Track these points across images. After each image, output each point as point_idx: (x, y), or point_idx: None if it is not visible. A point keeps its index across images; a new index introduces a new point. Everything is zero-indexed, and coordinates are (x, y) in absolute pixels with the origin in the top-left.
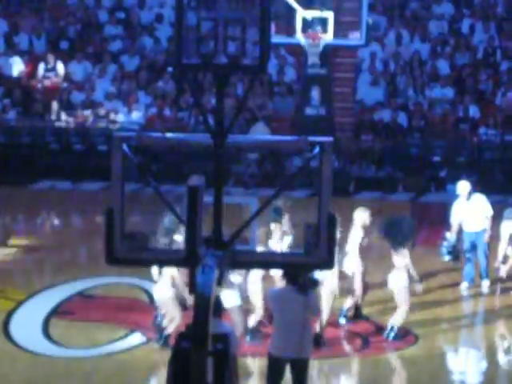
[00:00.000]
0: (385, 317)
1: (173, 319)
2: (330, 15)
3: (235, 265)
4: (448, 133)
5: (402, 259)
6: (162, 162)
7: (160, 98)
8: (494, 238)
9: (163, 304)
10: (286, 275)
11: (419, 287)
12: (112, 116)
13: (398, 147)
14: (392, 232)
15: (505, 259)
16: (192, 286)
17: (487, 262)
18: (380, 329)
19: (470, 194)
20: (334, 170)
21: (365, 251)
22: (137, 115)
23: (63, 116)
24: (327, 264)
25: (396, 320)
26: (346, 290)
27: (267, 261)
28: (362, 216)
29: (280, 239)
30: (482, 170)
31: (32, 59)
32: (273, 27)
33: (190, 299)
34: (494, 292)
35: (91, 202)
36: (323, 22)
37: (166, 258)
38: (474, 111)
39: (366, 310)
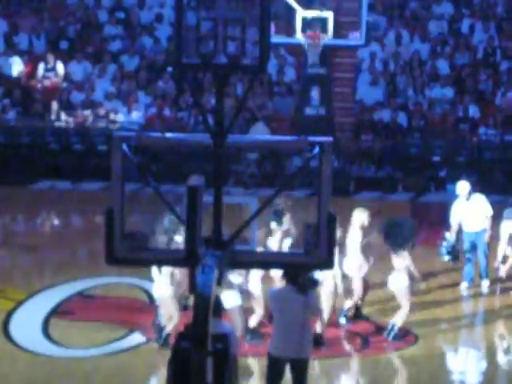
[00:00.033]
0: (385, 317)
1: (171, 318)
2: (329, 15)
3: (235, 265)
4: (448, 133)
5: (401, 261)
6: (161, 161)
7: (160, 97)
8: (494, 237)
9: (162, 302)
10: (285, 275)
11: (421, 286)
12: (112, 116)
13: (398, 147)
14: (392, 235)
15: (504, 259)
16: (192, 285)
17: (487, 262)
18: (380, 329)
19: (469, 194)
20: (334, 169)
21: (365, 251)
22: (136, 115)
23: (63, 116)
24: (327, 264)
25: (397, 320)
26: (346, 290)
27: (267, 261)
28: (360, 216)
29: (280, 240)
30: (482, 170)
31: (32, 59)
32: (273, 27)
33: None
34: (494, 292)
35: (91, 202)
36: (323, 21)
37: (166, 258)
38: (473, 111)
39: (365, 310)
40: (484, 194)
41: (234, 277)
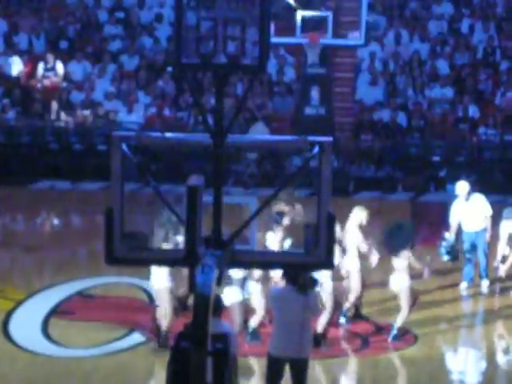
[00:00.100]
0: (385, 317)
1: (165, 315)
2: (329, 15)
3: (235, 264)
4: (447, 133)
5: (402, 261)
6: (161, 161)
7: (159, 97)
8: (493, 237)
9: (158, 295)
10: (285, 275)
11: (426, 274)
12: (111, 116)
13: (398, 147)
14: (392, 240)
15: (504, 259)
16: (192, 285)
17: (487, 262)
18: (380, 329)
19: (469, 193)
20: (334, 169)
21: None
22: (136, 115)
23: (63, 116)
24: (327, 264)
25: (397, 320)
26: (345, 289)
27: (267, 261)
28: (359, 215)
29: (281, 241)
30: (482, 170)
31: (31, 59)
32: (272, 27)
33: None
34: (494, 292)
35: (91, 201)
36: (323, 21)
37: (166, 258)
38: (473, 111)
39: (365, 310)
40: (483, 194)
41: (235, 272)
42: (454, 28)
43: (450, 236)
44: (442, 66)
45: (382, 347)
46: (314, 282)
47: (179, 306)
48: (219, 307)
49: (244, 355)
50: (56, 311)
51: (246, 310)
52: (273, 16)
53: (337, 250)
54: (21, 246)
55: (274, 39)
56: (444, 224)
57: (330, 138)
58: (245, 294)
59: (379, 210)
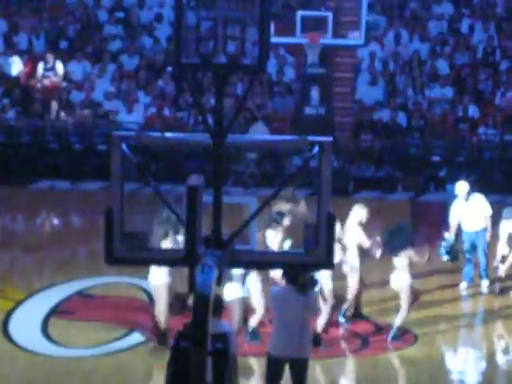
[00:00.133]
0: (385, 317)
1: (164, 312)
2: (329, 15)
3: (235, 264)
4: (447, 133)
5: (402, 260)
6: (161, 161)
7: (159, 97)
8: (493, 237)
9: (156, 291)
10: (285, 275)
11: (426, 256)
12: (111, 116)
13: (398, 147)
14: (392, 240)
15: (503, 259)
16: (192, 285)
17: (487, 262)
18: (380, 329)
19: (468, 193)
20: (333, 169)
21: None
22: (136, 115)
23: (63, 116)
24: (327, 264)
25: (396, 320)
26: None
27: (267, 261)
28: (359, 213)
29: (281, 242)
30: (482, 170)
31: (31, 59)
32: (272, 27)
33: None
34: (494, 292)
35: (91, 201)
36: (323, 21)
37: (166, 258)
38: (473, 111)
39: (365, 310)
40: (483, 194)
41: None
42: (454, 28)
43: (449, 236)
44: (442, 66)
45: (382, 347)
46: (314, 282)
47: (177, 302)
48: (219, 307)
49: (244, 355)
50: (56, 311)
51: (246, 309)
52: (273, 16)
53: (337, 248)
54: (21, 246)
55: (274, 39)
56: (444, 224)
57: (330, 138)
58: (245, 290)
59: (379, 210)
